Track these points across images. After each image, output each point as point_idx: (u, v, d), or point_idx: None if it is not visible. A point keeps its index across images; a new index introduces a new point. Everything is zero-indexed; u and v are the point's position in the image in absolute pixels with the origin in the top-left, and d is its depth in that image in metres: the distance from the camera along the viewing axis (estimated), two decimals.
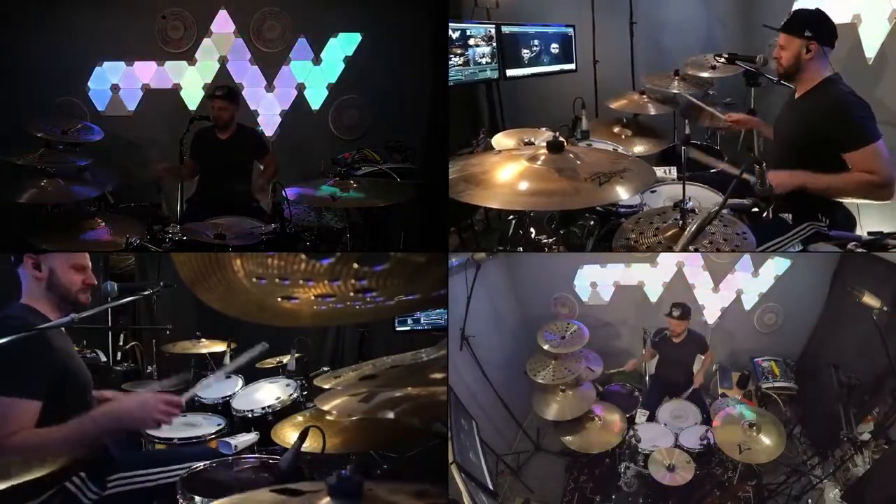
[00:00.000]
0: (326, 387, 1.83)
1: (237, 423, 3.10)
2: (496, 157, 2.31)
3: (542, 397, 3.54)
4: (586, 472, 3.48)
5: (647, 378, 3.93)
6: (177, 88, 5.09)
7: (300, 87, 5.19)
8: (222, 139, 4.14)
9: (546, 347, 3.56)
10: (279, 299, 1.30)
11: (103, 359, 3.99)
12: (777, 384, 3.69)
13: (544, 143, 2.19)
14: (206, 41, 5.05)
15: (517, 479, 3.50)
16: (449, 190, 2.07)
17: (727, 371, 3.99)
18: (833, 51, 2.74)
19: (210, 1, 5.01)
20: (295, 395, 3.17)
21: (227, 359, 3.72)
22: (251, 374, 3.59)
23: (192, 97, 5.09)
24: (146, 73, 5.05)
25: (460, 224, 3.98)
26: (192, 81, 5.09)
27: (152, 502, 2.17)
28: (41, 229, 3.19)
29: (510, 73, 4.57)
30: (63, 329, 2.10)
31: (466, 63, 4.29)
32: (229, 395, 3.30)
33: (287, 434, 2.54)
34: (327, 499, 1.26)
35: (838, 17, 2.84)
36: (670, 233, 2.29)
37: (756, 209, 2.34)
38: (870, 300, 3.09)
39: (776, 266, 3.92)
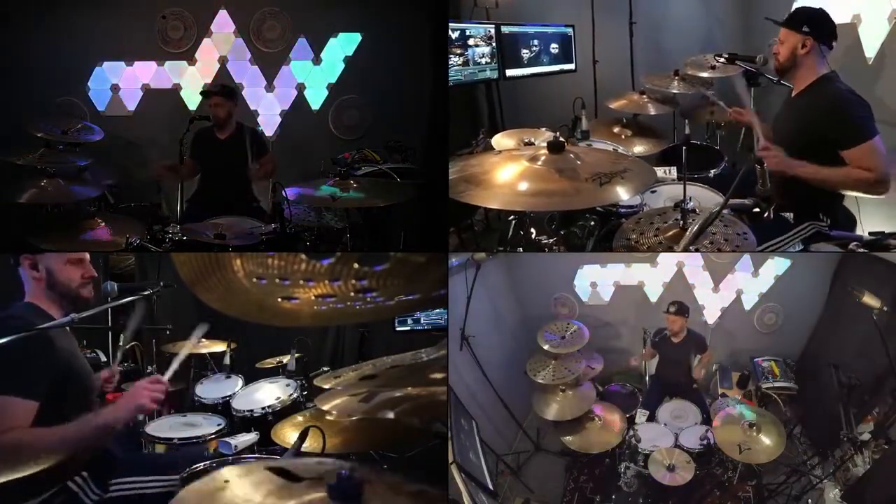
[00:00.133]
0: (326, 387, 1.83)
1: (237, 423, 3.10)
2: (496, 158, 2.31)
3: (542, 397, 3.54)
4: (586, 472, 3.48)
5: (647, 378, 3.93)
6: (177, 88, 5.09)
7: (300, 87, 5.19)
8: (222, 139, 4.14)
9: (546, 347, 3.56)
10: (279, 299, 1.30)
11: (103, 359, 3.99)
12: (777, 384, 3.69)
13: (544, 144, 2.19)
14: (206, 41, 5.06)
15: (517, 479, 3.50)
16: (449, 190, 2.07)
17: (727, 371, 3.98)
18: (832, 51, 2.75)
19: (210, 1, 5.01)
20: (295, 395, 3.16)
21: (226, 359, 3.72)
22: (251, 374, 3.60)
23: (192, 97, 5.08)
24: (146, 73, 5.05)
25: (460, 224, 3.98)
26: (192, 81, 5.08)
27: None
28: (41, 229, 3.19)
29: (510, 73, 4.57)
30: (68, 328, 2.10)
31: (466, 63, 4.29)
32: (229, 395, 3.30)
33: (287, 434, 2.54)
34: (323, 494, 1.26)
35: (838, 17, 2.86)
36: (671, 233, 2.29)
37: (757, 209, 2.35)
38: (870, 300, 3.09)
39: (776, 266, 3.92)
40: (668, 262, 4.07)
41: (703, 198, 2.70)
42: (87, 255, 2.23)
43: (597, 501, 3.30)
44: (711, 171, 3.57)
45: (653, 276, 4.15)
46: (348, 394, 1.67)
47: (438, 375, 1.61)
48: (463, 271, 3.45)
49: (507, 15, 4.73)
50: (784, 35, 2.78)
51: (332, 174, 3.53)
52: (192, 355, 3.92)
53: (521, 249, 3.04)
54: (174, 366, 2.25)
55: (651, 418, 3.46)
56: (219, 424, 3.07)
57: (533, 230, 2.96)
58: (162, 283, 2.58)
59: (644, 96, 3.94)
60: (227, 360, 3.71)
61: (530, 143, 3.29)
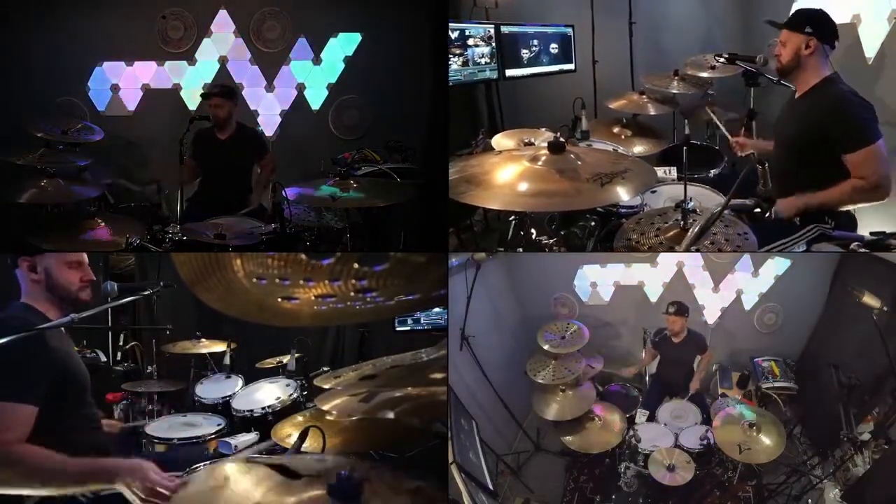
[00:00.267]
0: (326, 387, 1.83)
1: (237, 423, 3.10)
2: (497, 158, 2.31)
3: (542, 397, 3.54)
4: (586, 472, 3.47)
5: (647, 378, 3.93)
6: (177, 88, 5.09)
7: (300, 87, 5.19)
8: (222, 139, 4.14)
9: (546, 347, 3.56)
10: (279, 299, 1.30)
11: (103, 359, 3.99)
12: (777, 384, 3.68)
13: (545, 144, 2.18)
14: (206, 41, 5.05)
15: (517, 479, 3.50)
16: (450, 190, 2.06)
17: (727, 371, 3.98)
18: (833, 51, 2.74)
19: (210, 1, 5.01)
20: (295, 395, 3.17)
21: (226, 359, 3.72)
22: (251, 374, 3.60)
23: (192, 97, 5.08)
24: (146, 73, 5.05)
25: (459, 225, 3.98)
26: (192, 81, 5.08)
27: None
28: (41, 229, 3.19)
29: (509, 73, 4.57)
30: (63, 329, 2.10)
31: (465, 63, 4.29)
32: (229, 395, 3.30)
33: (287, 434, 2.54)
34: (321, 492, 1.26)
35: (838, 17, 2.86)
36: (671, 233, 2.29)
37: (758, 209, 2.34)
38: (870, 300, 3.09)
39: (776, 266, 3.92)
40: (668, 262, 4.07)
41: (703, 198, 2.70)
42: (86, 258, 2.22)
43: (597, 501, 3.30)
44: (711, 171, 3.58)
45: (653, 276, 4.15)
46: (348, 394, 1.67)
47: (438, 375, 1.61)
48: (463, 271, 3.45)
49: (506, 15, 4.73)
50: (786, 36, 2.76)
51: (332, 174, 3.53)
52: (193, 355, 3.93)
53: (520, 250, 3.04)
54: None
55: (651, 418, 3.46)
56: (219, 424, 3.07)
57: (533, 231, 2.96)
58: (162, 283, 2.57)
59: (644, 96, 3.95)
60: (227, 360, 3.71)
61: (530, 144, 3.29)
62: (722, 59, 3.64)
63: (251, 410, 3.10)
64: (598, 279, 4.22)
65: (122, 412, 3.59)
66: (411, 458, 2.98)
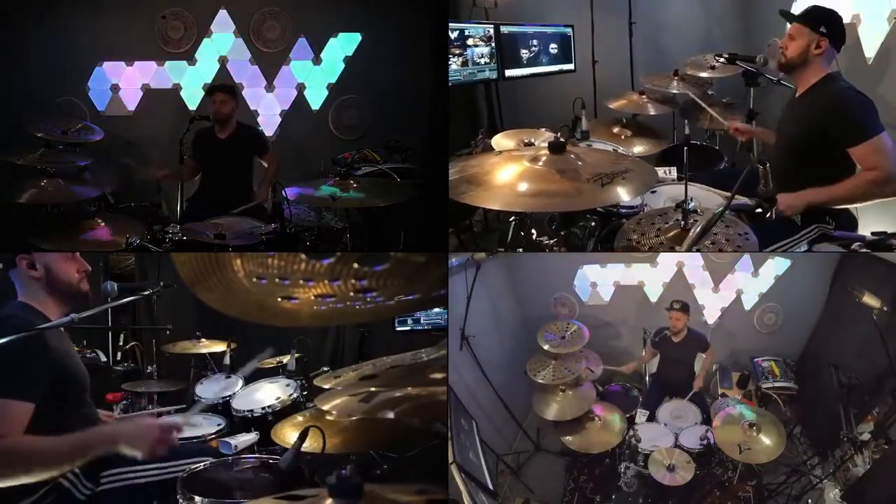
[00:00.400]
0: (326, 387, 1.83)
1: (237, 423, 3.10)
2: (497, 158, 2.31)
3: (542, 397, 3.53)
4: (586, 472, 3.47)
5: (648, 378, 3.93)
6: (177, 88, 5.09)
7: (300, 87, 5.19)
8: (222, 138, 4.15)
9: (546, 347, 3.56)
10: (279, 299, 1.30)
11: (103, 359, 3.99)
12: (777, 384, 3.68)
13: (545, 144, 2.18)
14: (206, 41, 5.05)
15: (517, 479, 3.50)
16: (450, 191, 2.06)
17: (727, 371, 3.98)
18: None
19: (210, 1, 5.01)
20: (295, 395, 3.17)
21: (226, 359, 3.72)
22: (251, 374, 3.60)
23: (192, 97, 5.09)
24: (146, 73, 5.05)
25: (459, 225, 3.98)
26: (192, 81, 5.08)
27: (145, 498, 2.15)
28: (41, 229, 3.19)
29: (509, 73, 4.57)
30: (62, 328, 2.10)
31: (465, 63, 4.29)
32: (229, 395, 3.30)
33: (287, 434, 2.54)
34: (329, 501, 1.26)
35: None
36: (672, 233, 2.29)
37: (759, 210, 2.34)
38: (870, 300, 3.09)
39: (776, 266, 3.92)
40: (668, 262, 4.07)
41: (704, 198, 2.70)
42: (76, 251, 2.23)
43: (597, 501, 3.30)
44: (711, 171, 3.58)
45: (653, 276, 4.15)
46: (348, 394, 1.67)
47: (438, 375, 1.61)
48: (463, 271, 3.44)
49: (506, 15, 4.74)
50: (797, 31, 2.69)
51: (332, 174, 3.53)
52: (193, 355, 3.93)
53: (520, 250, 3.04)
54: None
55: (651, 418, 3.46)
56: (219, 424, 3.07)
57: (534, 231, 2.96)
58: (162, 283, 2.58)
59: (644, 96, 3.95)
60: (227, 360, 3.71)
61: (530, 144, 3.29)
62: (722, 59, 3.63)
63: (251, 410, 3.10)
64: (598, 279, 4.22)
65: (122, 412, 3.59)
66: (411, 458, 2.99)
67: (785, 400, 3.67)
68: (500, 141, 3.47)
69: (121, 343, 4.33)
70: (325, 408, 1.68)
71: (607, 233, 2.75)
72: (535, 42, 4.70)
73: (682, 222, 2.30)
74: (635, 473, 3.18)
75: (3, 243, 3.49)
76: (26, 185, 3.36)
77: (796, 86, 2.83)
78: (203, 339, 3.89)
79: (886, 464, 2.80)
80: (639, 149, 3.79)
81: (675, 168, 3.19)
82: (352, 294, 1.27)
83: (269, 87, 5.17)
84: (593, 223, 2.83)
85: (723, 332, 4.12)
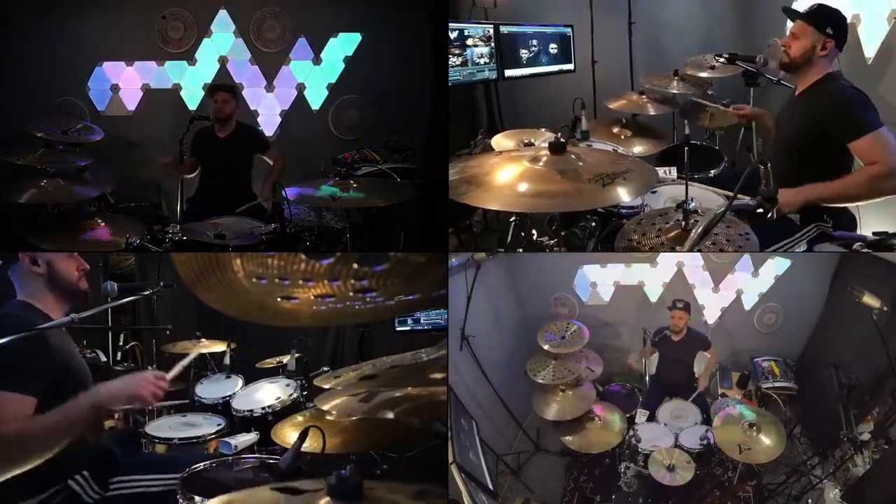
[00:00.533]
0: (326, 387, 1.83)
1: (237, 423, 3.10)
2: (497, 159, 2.30)
3: (542, 397, 3.53)
4: (586, 472, 3.47)
5: (647, 378, 3.93)
6: (177, 88, 5.09)
7: (300, 87, 5.19)
8: (222, 138, 4.15)
9: (546, 347, 3.56)
10: (279, 299, 1.30)
11: (103, 359, 3.99)
12: (777, 384, 3.69)
13: (545, 144, 2.18)
14: (206, 41, 5.06)
15: (517, 479, 3.50)
16: (450, 191, 2.06)
17: (727, 371, 3.99)
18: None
19: (210, 1, 5.01)
20: (295, 395, 3.17)
21: (226, 359, 3.72)
22: (251, 374, 3.60)
23: (192, 97, 5.09)
24: (146, 73, 5.05)
25: (458, 226, 3.98)
26: (192, 81, 5.09)
27: None
28: (41, 229, 3.19)
29: (508, 73, 4.57)
30: (63, 327, 2.10)
31: (464, 63, 4.29)
32: (229, 395, 3.30)
33: (287, 434, 2.54)
34: (327, 498, 1.27)
35: None
36: (673, 234, 2.29)
37: (761, 210, 2.33)
38: (870, 300, 3.09)
39: (776, 266, 3.92)
40: (668, 262, 4.07)
41: (704, 198, 2.69)
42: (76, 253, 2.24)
43: (597, 501, 3.30)
44: (711, 171, 3.58)
45: (653, 276, 4.15)
46: (348, 394, 1.67)
47: (438, 375, 1.61)
48: (463, 271, 3.44)
49: (505, 15, 4.73)
50: (801, 30, 2.65)
51: (332, 174, 3.53)
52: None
53: (520, 250, 3.03)
54: (179, 366, 2.22)
55: (651, 418, 3.46)
56: (219, 424, 3.07)
57: (534, 232, 2.95)
58: (162, 283, 2.58)
59: (643, 96, 3.94)
60: (227, 360, 3.71)
61: (530, 144, 3.29)
62: (722, 59, 3.63)
63: (251, 410, 3.10)
64: (598, 279, 4.22)
65: (121, 412, 3.59)
66: (411, 458, 2.99)
67: (785, 400, 3.67)
68: (500, 141, 3.47)
69: (121, 343, 4.32)
70: (325, 408, 1.68)
71: (608, 233, 2.75)
72: (534, 42, 4.70)
73: (683, 222, 2.30)
74: (635, 473, 3.18)
75: (3, 243, 3.48)
76: (26, 185, 3.35)
77: (796, 84, 2.82)
78: (203, 339, 3.89)
79: (886, 464, 2.80)
80: (639, 149, 3.78)
81: (675, 168, 3.19)
82: (352, 294, 1.27)
83: (269, 87, 5.17)
84: (594, 223, 2.82)
85: (723, 332, 4.12)
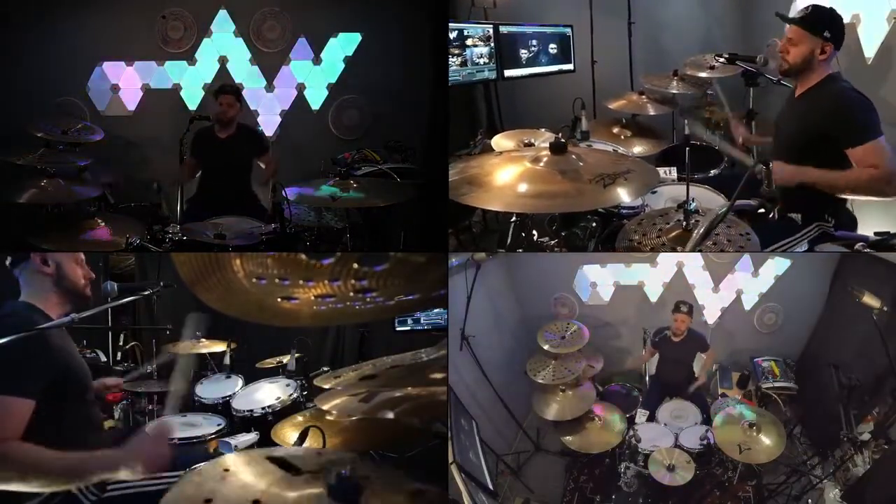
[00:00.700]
0: (326, 387, 1.83)
1: (237, 423, 3.10)
2: (498, 159, 2.30)
3: (542, 397, 3.54)
4: (586, 472, 3.47)
5: (647, 378, 3.93)
6: (177, 88, 5.09)
7: (300, 87, 5.19)
8: (222, 138, 4.15)
9: (546, 347, 3.56)
10: (279, 299, 1.30)
11: (103, 359, 3.99)
12: (777, 384, 3.69)
13: (545, 145, 2.18)
14: (206, 41, 5.05)
15: (517, 479, 3.50)
16: (451, 192, 2.06)
17: (727, 371, 3.99)
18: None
19: (210, 1, 5.01)
20: (295, 395, 3.17)
21: (226, 359, 3.72)
22: (251, 374, 3.60)
23: (192, 97, 5.09)
24: (146, 73, 5.05)
25: (458, 226, 3.98)
26: (192, 81, 5.08)
27: None
28: (41, 229, 3.19)
29: (508, 73, 4.57)
30: (63, 327, 2.10)
31: (464, 63, 4.29)
32: (229, 395, 3.30)
33: (287, 434, 2.54)
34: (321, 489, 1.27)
35: None
36: (674, 234, 2.29)
37: (762, 210, 2.33)
38: (870, 300, 3.09)
39: (776, 266, 3.92)
40: (668, 262, 4.07)
41: (704, 198, 2.70)
42: (84, 257, 2.24)
43: (597, 501, 3.30)
44: (711, 171, 3.58)
45: (653, 276, 4.15)
46: (348, 394, 1.67)
47: (438, 375, 1.61)
48: (463, 271, 3.45)
49: (505, 15, 4.74)
50: (798, 36, 2.63)
51: (332, 174, 3.53)
52: (193, 355, 3.92)
53: (520, 250, 3.03)
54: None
55: (651, 418, 3.46)
56: (219, 424, 3.07)
57: (535, 232, 2.95)
58: (162, 283, 2.58)
59: (643, 96, 3.95)
60: (227, 360, 3.71)
61: (530, 144, 3.29)
62: (722, 60, 3.63)
63: (251, 410, 3.10)
64: (598, 279, 4.22)
65: (122, 412, 3.59)
66: (411, 458, 2.99)
67: (785, 400, 3.67)
68: (500, 141, 3.47)
69: (121, 343, 4.33)
70: (325, 408, 1.68)
71: (608, 233, 2.75)
72: (534, 42, 4.70)
73: (684, 223, 2.30)
74: (635, 473, 3.18)
75: (3, 243, 3.49)
76: (26, 185, 3.35)
77: (796, 86, 2.82)
78: (203, 339, 3.89)
79: (886, 464, 2.80)
80: (638, 149, 3.79)
81: (674, 168, 3.19)
82: (352, 294, 1.27)
83: (269, 87, 5.17)
84: (594, 224, 2.83)
85: (723, 332, 4.12)
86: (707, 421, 3.36)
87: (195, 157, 4.14)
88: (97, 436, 2.16)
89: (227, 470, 1.35)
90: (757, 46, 3.72)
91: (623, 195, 2.01)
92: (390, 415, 1.53)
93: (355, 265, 1.22)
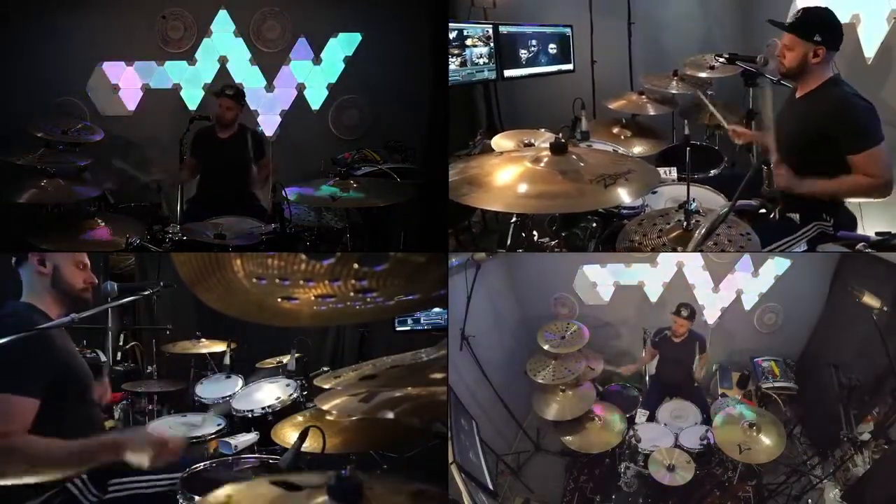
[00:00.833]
0: (326, 387, 1.83)
1: (237, 423, 3.10)
2: (498, 159, 2.30)
3: (542, 397, 3.54)
4: (586, 472, 3.48)
5: (647, 378, 3.93)
6: (177, 88, 5.09)
7: (300, 87, 5.19)
8: (223, 138, 4.15)
9: (546, 347, 3.56)
10: (279, 299, 1.30)
11: (103, 359, 3.99)
12: (777, 384, 3.69)
13: (545, 145, 2.17)
14: (206, 41, 5.05)
15: (517, 479, 3.50)
16: (451, 192, 2.06)
17: (727, 371, 3.99)
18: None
19: (210, 1, 5.01)
20: (295, 395, 3.17)
21: (226, 359, 3.72)
22: (251, 374, 3.60)
23: (192, 97, 5.09)
24: (146, 73, 5.04)
25: (457, 227, 3.98)
26: (192, 81, 5.08)
27: None
28: (41, 229, 3.19)
29: (508, 73, 4.56)
30: (64, 328, 2.10)
31: (463, 63, 4.28)
32: (229, 395, 3.30)
33: (287, 434, 2.54)
34: (325, 497, 1.27)
35: (837, 17, 2.79)
36: (674, 234, 2.29)
37: (763, 210, 2.34)
38: (870, 300, 3.09)
39: (776, 266, 3.92)
40: (668, 262, 4.07)
41: (704, 198, 2.70)
42: (89, 263, 2.24)
43: (597, 501, 3.30)
44: (711, 171, 3.58)
45: (653, 276, 4.15)
46: (348, 394, 1.67)
47: (438, 375, 1.61)
48: (463, 271, 3.45)
49: (504, 15, 4.73)
50: (791, 42, 2.65)
51: (332, 174, 3.53)
52: (193, 355, 3.93)
53: (520, 251, 3.03)
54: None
55: (651, 418, 3.46)
56: (219, 424, 3.07)
57: (535, 233, 2.95)
58: (162, 283, 2.58)
59: (643, 96, 3.94)
60: (227, 360, 3.71)
61: (530, 145, 3.29)
62: (722, 59, 3.62)
63: (251, 410, 3.10)
64: (598, 279, 4.22)
65: (122, 412, 3.59)
66: (411, 458, 2.99)
67: (785, 400, 3.67)
68: (500, 142, 3.47)
69: (121, 343, 4.33)
70: (325, 408, 1.68)
71: (609, 234, 2.75)
72: (533, 42, 4.70)
73: (685, 223, 2.30)
74: (635, 473, 3.18)
75: (3, 243, 3.49)
76: (26, 185, 3.35)
77: (797, 87, 2.82)
78: (203, 339, 3.89)
79: (886, 464, 2.80)
80: (638, 149, 3.78)
81: (674, 168, 3.19)
82: (352, 294, 1.27)
83: (269, 87, 5.17)
84: (594, 224, 2.83)
85: (723, 332, 4.12)
86: (707, 421, 3.36)
87: (195, 157, 4.14)
88: (97, 436, 2.16)
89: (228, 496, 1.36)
90: (757, 46, 3.71)
91: (624, 195, 2.00)
92: (390, 415, 1.53)
93: (355, 265, 1.22)
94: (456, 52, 4.21)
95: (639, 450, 3.21)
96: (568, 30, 4.89)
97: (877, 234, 2.45)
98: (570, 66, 4.93)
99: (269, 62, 5.12)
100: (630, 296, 4.22)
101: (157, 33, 4.97)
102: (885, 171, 2.52)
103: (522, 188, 2.01)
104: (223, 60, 5.10)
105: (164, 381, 3.77)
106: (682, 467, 3.07)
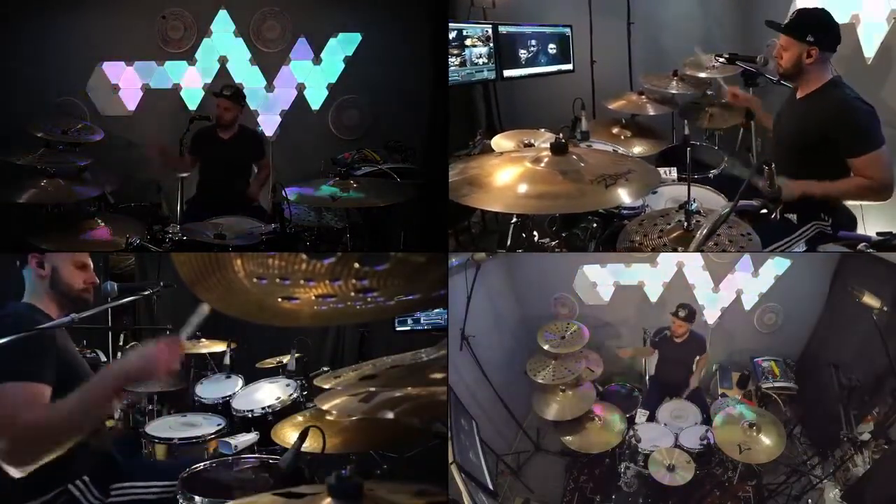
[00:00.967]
0: (326, 387, 1.83)
1: (237, 423, 3.10)
2: (498, 159, 2.30)
3: (542, 397, 3.54)
4: (586, 472, 3.48)
5: (647, 378, 3.93)
6: (177, 88, 5.09)
7: (300, 87, 5.19)
8: (224, 139, 4.15)
9: (546, 347, 3.56)
10: (279, 299, 1.30)
11: (103, 359, 3.99)
12: (777, 384, 3.69)
13: (545, 145, 2.17)
14: (206, 41, 5.05)
15: (517, 479, 3.50)
16: (452, 193, 2.05)
17: (727, 371, 3.99)
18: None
19: (210, 1, 5.01)
20: (295, 395, 3.17)
21: (226, 359, 3.72)
22: (251, 374, 3.60)
23: (192, 97, 5.09)
24: (146, 73, 5.05)
25: (457, 227, 3.97)
26: (192, 81, 5.08)
27: None
28: (41, 229, 3.19)
29: (507, 73, 4.56)
30: (64, 328, 2.10)
31: (463, 63, 4.28)
32: (229, 395, 3.30)
33: (287, 434, 2.54)
34: (328, 500, 1.27)
35: (837, 17, 2.75)
36: (675, 234, 2.29)
37: (764, 210, 2.34)
38: (870, 300, 3.09)
39: (776, 266, 3.92)
40: (668, 262, 4.07)
41: (705, 199, 2.70)
42: (91, 263, 2.24)
43: (597, 501, 3.30)
44: (711, 171, 3.57)
45: (653, 276, 4.15)
46: (348, 394, 1.67)
47: (438, 375, 1.61)
48: (463, 271, 3.45)
49: (504, 15, 4.73)
50: (786, 43, 2.68)
51: (332, 174, 3.53)
52: (193, 355, 3.92)
53: (520, 251, 3.03)
54: (191, 326, 2.10)
55: (651, 418, 3.46)
56: (219, 424, 3.07)
57: (535, 233, 2.95)
58: (162, 283, 2.58)
59: (643, 96, 3.94)
60: (227, 360, 3.71)
61: (530, 145, 3.28)
62: (722, 59, 3.62)
63: (251, 410, 3.10)
64: (598, 279, 4.22)
65: (122, 412, 3.59)
66: (411, 458, 2.99)
67: (785, 400, 3.67)
68: (500, 142, 3.47)
69: (121, 343, 4.32)
70: (325, 408, 1.68)
71: (609, 234, 2.75)
72: (533, 42, 4.70)
73: (685, 223, 2.30)
74: (635, 473, 3.18)
75: (3, 243, 3.49)
76: (26, 185, 3.35)
77: (797, 87, 2.82)
78: (203, 339, 3.89)
79: (886, 464, 2.80)
80: (638, 149, 3.78)
81: (674, 168, 3.19)
82: (352, 294, 1.27)
83: (269, 87, 5.17)
84: (594, 224, 2.82)
85: (723, 332, 4.12)
86: (707, 421, 3.37)
87: (194, 156, 4.14)
88: (98, 436, 2.16)
89: None
90: (757, 46, 3.71)
91: (624, 196, 2.00)
92: (390, 415, 1.53)
93: (356, 265, 1.22)
94: (455, 52, 4.21)
95: (639, 450, 3.21)
96: (567, 30, 4.89)
97: (878, 234, 2.45)
98: (569, 67, 4.93)
99: (269, 62, 5.12)
100: (630, 296, 4.22)
101: (157, 33, 4.97)
102: (886, 175, 2.54)
103: (523, 188, 2.00)
104: (223, 60, 5.10)
105: (163, 381, 3.77)
106: (682, 467, 3.07)
